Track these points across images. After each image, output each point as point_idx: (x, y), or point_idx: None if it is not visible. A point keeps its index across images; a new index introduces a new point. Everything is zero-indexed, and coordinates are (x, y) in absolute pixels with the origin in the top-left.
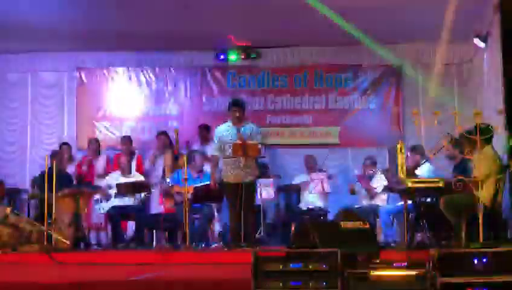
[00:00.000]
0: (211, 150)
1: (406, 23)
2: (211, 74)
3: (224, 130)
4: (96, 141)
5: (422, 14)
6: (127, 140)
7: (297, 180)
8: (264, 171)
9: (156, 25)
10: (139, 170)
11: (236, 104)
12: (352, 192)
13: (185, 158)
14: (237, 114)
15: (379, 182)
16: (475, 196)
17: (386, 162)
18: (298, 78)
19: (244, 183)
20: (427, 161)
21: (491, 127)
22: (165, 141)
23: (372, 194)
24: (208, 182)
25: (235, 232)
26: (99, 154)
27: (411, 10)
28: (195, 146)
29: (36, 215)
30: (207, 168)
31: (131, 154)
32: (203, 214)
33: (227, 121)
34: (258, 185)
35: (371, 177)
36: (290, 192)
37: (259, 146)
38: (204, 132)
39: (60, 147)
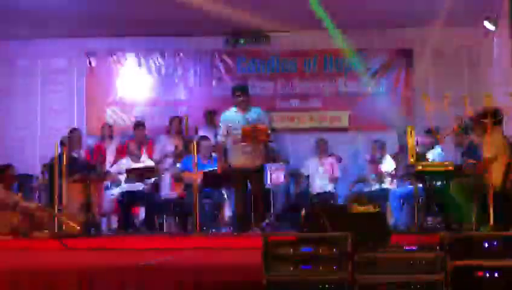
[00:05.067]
0: (217, 136)
1: (415, 6)
2: (220, 59)
3: (230, 116)
4: (109, 126)
5: None
6: (140, 125)
7: (306, 165)
8: (271, 155)
9: (165, 9)
10: (150, 154)
11: (240, 90)
12: (361, 180)
13: (194, 144)
14: (241, 99)
15: (388, 166)
16: (485, 179)
17: (395, 146)
18: (307, 62)
19: (252, 168)
20: (437, 144)
21: (501, 110)
22: (178, 125)
23: (381, 179)
24: None
25: (242, 218)
26: (111, 139)
27: None
28: (204, 131)
29: (47, 201)
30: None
31: (144, 139)
32: (213, 199)
33: (233, 107)
34: (268, 169)
35: (380, 161)
36: (299, 176)
37: (268, 130)
38: (211, 117)
39: (71, 132)
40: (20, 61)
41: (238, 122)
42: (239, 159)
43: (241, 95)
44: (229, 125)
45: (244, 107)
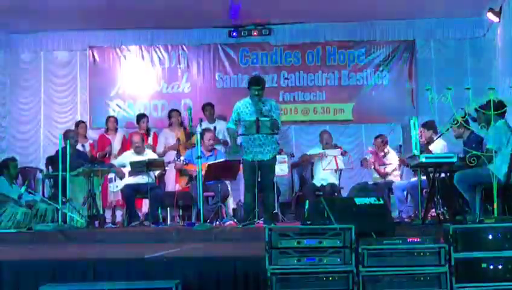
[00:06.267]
0: (228, 123)
1: None
2: (223, 51)
3: (243, 106)
4: (115, 119)
5: None
6: (143, 118)
7: (311, 152)
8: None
9: (168, 2)
10: (154, 147)
11: (256, 83)
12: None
13: (197, 136)
14: (257, 93)
15: (392, 160)
16: (489, 171)
17: (399, 138)
18: (311, 54)
19: (263, 161)
20: (440, 136)
21: (505, 101)
22: (178, 118)
23: (383, 175)
24: (223, 159)
25: (249, 210)
26: (116, 132)
27: None
28: (205, 124)
29: (51, 194)
30: (219, 146)
31: (147, 132)
32: (217, 192)
33: (246, 98)
34: None
35: (383, 156)
36: (303, 168)
37: (276, 121)
38: (208, 111)
39: (76, 125)
40: (23, 54)
41: (249, 113)
42: (251, 151)
43: (257, 89)
44: (240, 114)
45: (258, 98)
